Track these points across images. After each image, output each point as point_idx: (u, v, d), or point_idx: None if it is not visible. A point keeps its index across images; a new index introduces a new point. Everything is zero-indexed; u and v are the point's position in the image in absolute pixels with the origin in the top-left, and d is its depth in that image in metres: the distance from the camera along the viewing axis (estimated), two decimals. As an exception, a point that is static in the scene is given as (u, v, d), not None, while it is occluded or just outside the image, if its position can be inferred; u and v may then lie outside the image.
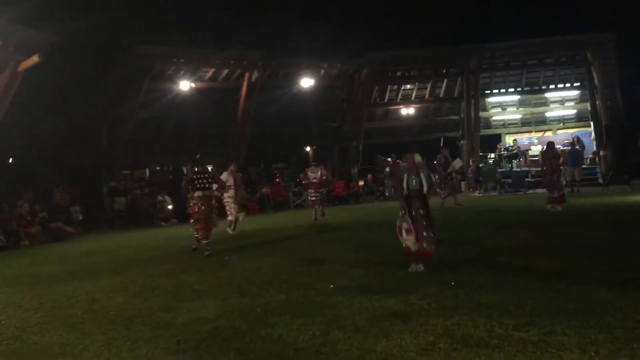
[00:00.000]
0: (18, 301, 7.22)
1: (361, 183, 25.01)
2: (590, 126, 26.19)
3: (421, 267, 7.20)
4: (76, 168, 20.90)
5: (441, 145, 19.29)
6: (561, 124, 28.18)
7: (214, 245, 10.48)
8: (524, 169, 25.06)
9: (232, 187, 13.14)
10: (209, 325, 5.40)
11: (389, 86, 27.69)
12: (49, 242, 15.26)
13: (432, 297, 5.79)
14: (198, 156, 11.82)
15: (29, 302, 7.09)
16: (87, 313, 6.30)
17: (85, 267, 9.88)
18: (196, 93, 22.78)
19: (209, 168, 12.86)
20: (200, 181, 10.21)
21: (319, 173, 15.75)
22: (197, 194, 10.25)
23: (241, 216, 13.57)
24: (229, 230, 13.19)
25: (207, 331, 5.22)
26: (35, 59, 14.54)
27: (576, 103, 27.63)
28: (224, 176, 13.23)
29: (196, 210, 10.30)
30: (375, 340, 4.59)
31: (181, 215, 18.99)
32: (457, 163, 17.63)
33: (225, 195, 13.20)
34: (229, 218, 13.42)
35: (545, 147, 16.12)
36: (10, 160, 21.22)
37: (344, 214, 17.58)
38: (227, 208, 13.48)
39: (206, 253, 10.05)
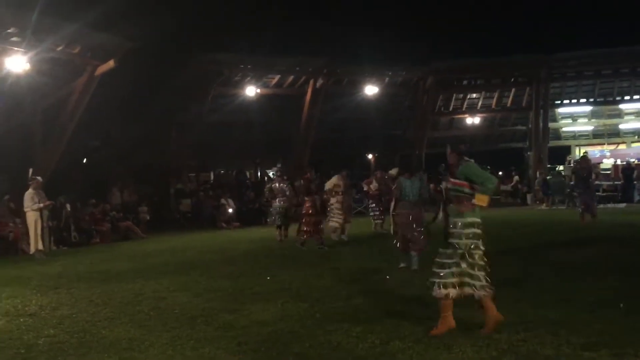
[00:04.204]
0: (89, 296, 7.53)
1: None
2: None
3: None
4: (145, 169, 21.65)
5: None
6: (636, 137, 26.99)
7: (275, 250, 10.87)
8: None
9: (340, 192, 12.89)
10: (268, 329, 5.46)
11: (454, 95, 27.29)
12: (118, 241, 15.86)
13: (496, 311, 5.62)
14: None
15: (99, 298, 7.39)
16: (153, 310, 6.50)
17: (152, 266, 10.21)
18: (262, 99, 23.15)
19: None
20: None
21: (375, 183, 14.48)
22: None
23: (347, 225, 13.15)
24: (334, 237, 12.73)
25: (266, 334, 5.28)
26: (111, 64, 14.98)
27: (653, 115, 26.41)
28: (334, 180, 13.01)
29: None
30: (435, 352, 4.51)
31: (243, 218, 19.41)
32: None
33: (333, 200, 12.90)
34: (332, 224, 12.91)
35: None
36: (85, 161, 22.20)
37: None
38: (331, 214, 12.95)
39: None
